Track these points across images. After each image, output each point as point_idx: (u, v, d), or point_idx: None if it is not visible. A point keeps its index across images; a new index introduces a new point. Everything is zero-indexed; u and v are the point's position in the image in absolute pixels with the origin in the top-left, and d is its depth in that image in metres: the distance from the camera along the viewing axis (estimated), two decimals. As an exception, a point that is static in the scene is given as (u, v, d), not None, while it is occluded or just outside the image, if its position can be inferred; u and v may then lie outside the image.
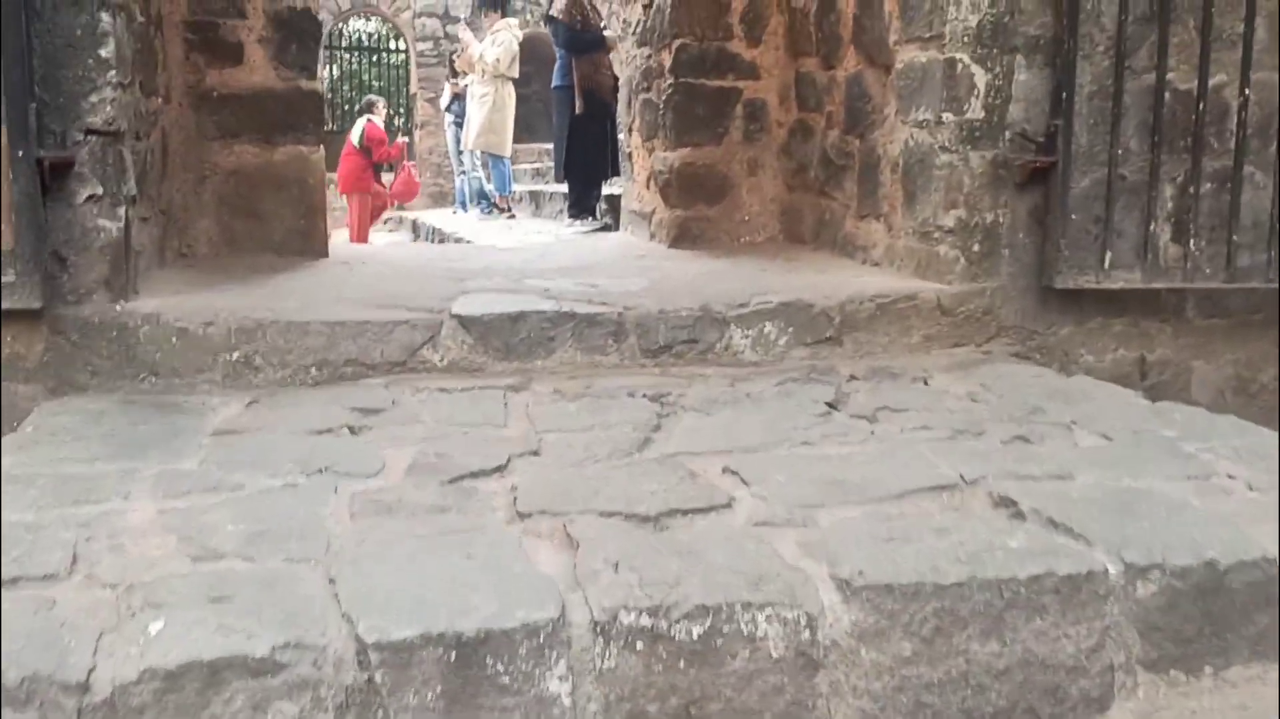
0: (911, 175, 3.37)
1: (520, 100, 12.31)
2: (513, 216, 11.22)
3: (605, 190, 8.28)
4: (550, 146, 15.71)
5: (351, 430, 2.33)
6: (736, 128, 4.44)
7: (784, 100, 4.39)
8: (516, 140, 13.29)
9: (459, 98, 12.46)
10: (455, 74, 12.60)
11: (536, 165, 14.71)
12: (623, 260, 4.17)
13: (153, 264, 3.38)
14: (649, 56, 4.63)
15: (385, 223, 15.44)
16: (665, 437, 2.26)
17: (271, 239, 4.07)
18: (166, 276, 3.38)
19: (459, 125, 12.20)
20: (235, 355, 2.79)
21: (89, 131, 2.70)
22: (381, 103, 12.91)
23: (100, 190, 2.72)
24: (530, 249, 4.67)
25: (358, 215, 12.27)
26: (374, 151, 12.22)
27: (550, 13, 7.91)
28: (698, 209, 4.45)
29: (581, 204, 8.16)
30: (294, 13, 4.00)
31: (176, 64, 3.90)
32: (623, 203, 5.21)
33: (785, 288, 3.33)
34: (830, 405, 2.59)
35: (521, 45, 14.06)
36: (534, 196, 11.45)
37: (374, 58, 19.03)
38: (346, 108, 19.18)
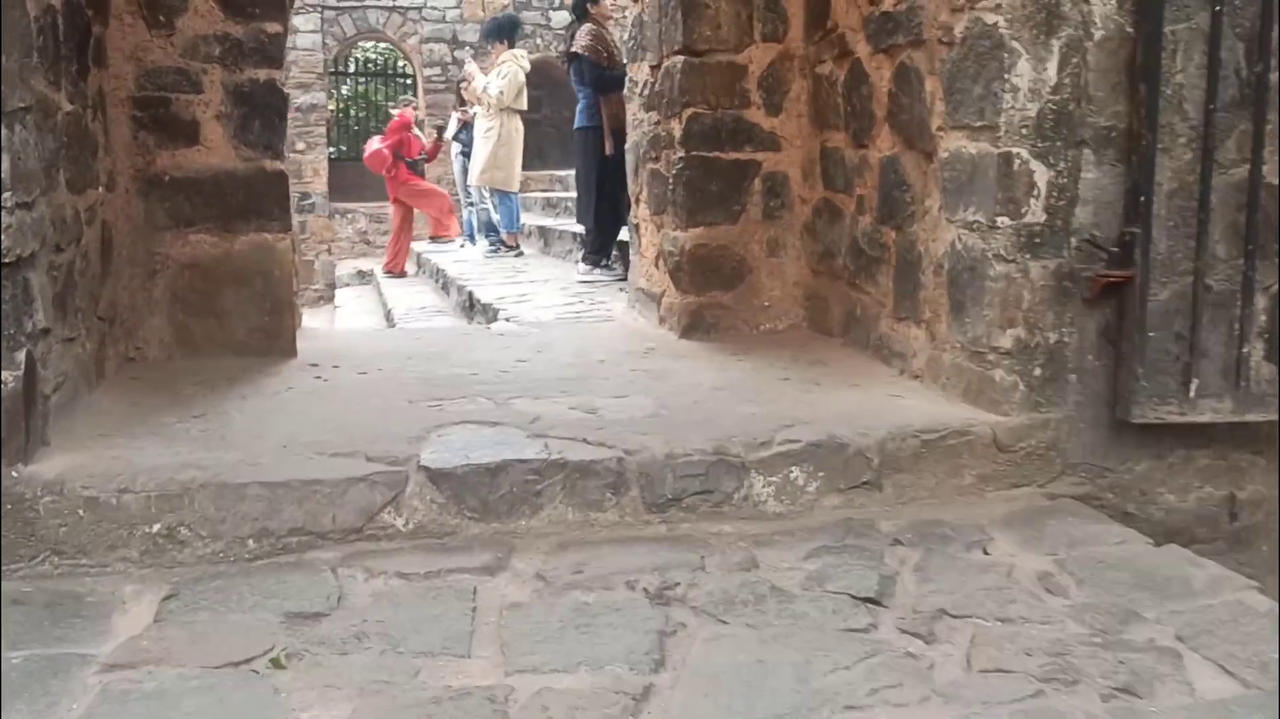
0: (960, 284, 2.89)
1: (530, 125, 11.88)
2: (521, 254, 10.78)
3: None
4: (560, 173, 15.33)
5: (276, 664, 1.86)
6: (755, 205, 3.97)
7: (808, 175, 3.91)
8: (527, 167, 12.87)
9: (467, 126, 12.05)
10: (463, 103, 12.18)
11: (548, 194, 14.27)
12: (627, 359, 3.70)
13: (82, 387, 2.93)
14: (657, 123, 4.16)
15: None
16: (669, 689, 1.78)
17: (232, 339, 3.62)
18: (94, 405, 2.92)
19: (466, 155, 11.78)
20: (156, 528, 2.33)
21: (-22, 265, 2.25)
22: (415, 103, 12.64)
23: (-7, 334, 2.27)
24: (526, 337, 4.20)
25: (396, 230, 12.03)
26: (389, 138, 11.98)
27: (573, 49, 7.46)
28: (712, 295, 3.98)
29: (600, 249, 7.70)
30: (257, 85, 3.56)
31: (123, 146, 3.46)
32: (630, 275, 4.73)
33: (814, 415, 2.85)
34: (873, 602, 2.11)
35: (530, 74, 13.67)
36: (543, 233, 11.01)
37: (381, 83, 18.68)
38: (355, 128, 18.84)
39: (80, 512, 2.30)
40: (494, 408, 3.00)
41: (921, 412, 2.87)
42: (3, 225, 2.25)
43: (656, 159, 4.17)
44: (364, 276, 14.33)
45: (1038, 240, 2.74)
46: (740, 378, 3.36)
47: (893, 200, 3.26)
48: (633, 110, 4.52)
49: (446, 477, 2.48)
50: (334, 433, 2.73)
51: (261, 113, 3.57)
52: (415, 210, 12.16)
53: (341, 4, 14.73)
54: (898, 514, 2.64)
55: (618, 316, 4.58)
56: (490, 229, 11.96)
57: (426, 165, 12.27)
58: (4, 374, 2.28)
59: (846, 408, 2.93)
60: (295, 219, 13.55)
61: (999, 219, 2.73)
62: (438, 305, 9.21)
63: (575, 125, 7.92)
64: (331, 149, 18.67)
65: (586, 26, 7.57)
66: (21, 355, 2.34)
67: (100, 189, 3.27)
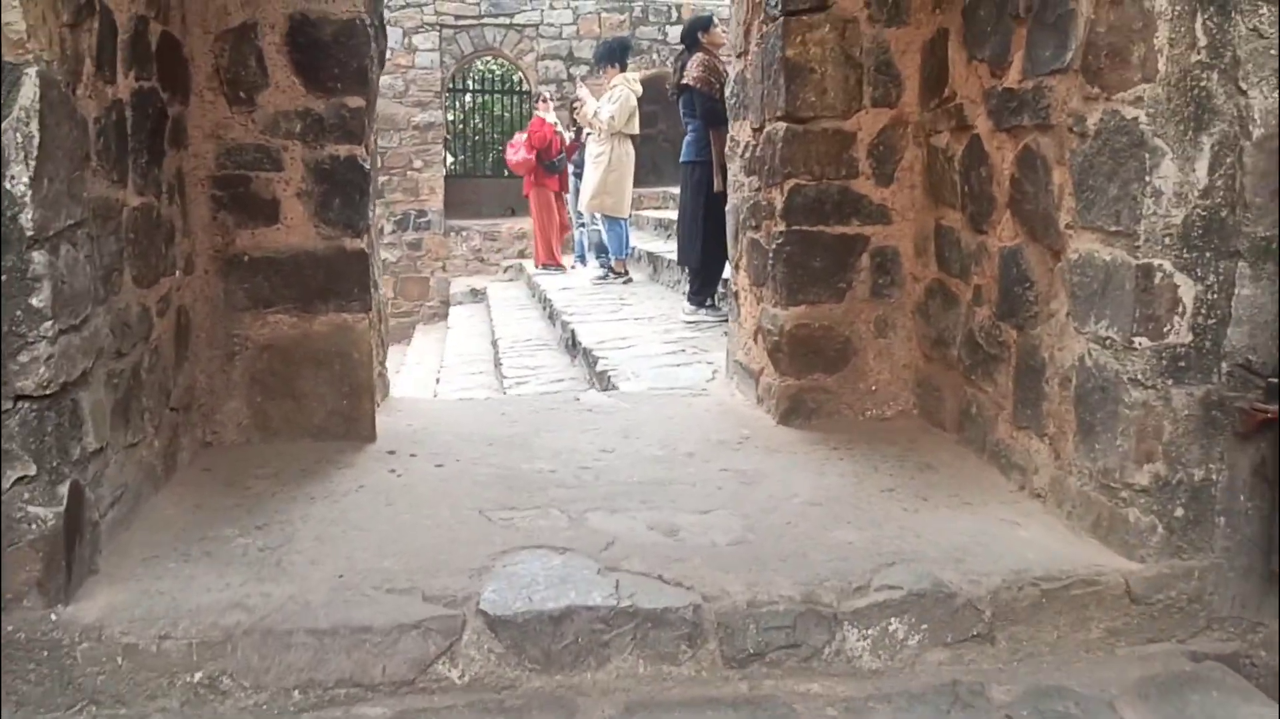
0: (1089, 405, 2.56)
1: (645, 141, 11.75)
2: (629, 280, 10.61)
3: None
4: (675, 190, 15.13)
5: None
6: (862, 282, 3.67)
7: (921, 252, 3.60)
8: (640, 184, 12.72)
9: (580, 148, 11.96)
10: (575, 124, 12.08)
11: (660, 214, 14.08)
12: (718, 452, 3.44)
13: (146, 489, 2.82)
14: (757, 190, 3.90)
15: (505, 270, 15.09)
16: None
17: (310, 422, 3.49)
18: (156, 511, 2.80)
19: (578, 177, 11.69)
20: (198, 677, 2.18)
21: (18, 398, 2.13)
22: (547, 94, 12.64)
23: (34, 469, 2.15)
24: (614, 414, 3.97)
25: (538, 223, 12.02)
26: (531, 140, 12.03)
27: (684, 81, 7.24)
28: (814, 378, 3.70)
29: (704, 289, 7.47)
30: (338, 162, 3.42)
31: (202, 226, 3.36)
32: (728, 345, 4.47)
33: (918, 549, 2.56)
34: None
35: (644, 91, 13.49)
36: (653, 260, 10.81)
37: (499, 99, 18.74)
38: (476, 138, 18.96)
39: (119, 659, 2.16)
40: (567, 524, 2.79)
41: (1043, 548, 2.55)
42: (43, 355, 2.13)
43: (757, 228, 3.91)
44: (476, 294, 14.36)
45: (1182, 364, 2.40)
46: (839, 486, 3.07)
47: (1014, 297, 2.94)
48: (733, 172, 4.26)
49: (506, 624, 2.28)
50: (394, 558, 2.55)
51: (342, 190, 3.43)
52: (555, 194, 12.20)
53: (459, 22, 14.78)
54: (1012, 674, 2.33)
55: (713, 390, 4.32)
56: (601, 249, 11.84)
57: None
58: (43, 513, 2.15)
59: (956, 538, 2.63)
60: (412, 236, 13.68)
61: (1136, 339, 2.40)
62: (542, 338, 9.08)
63: (682, 159, 7.70)
64: (451, 160, 18.85)
65: (698, 56, 7.34)
66: (65, 488, 2.22)
67: (177, 273, 3.17)
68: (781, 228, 3.64)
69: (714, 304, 7.49)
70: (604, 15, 15.18)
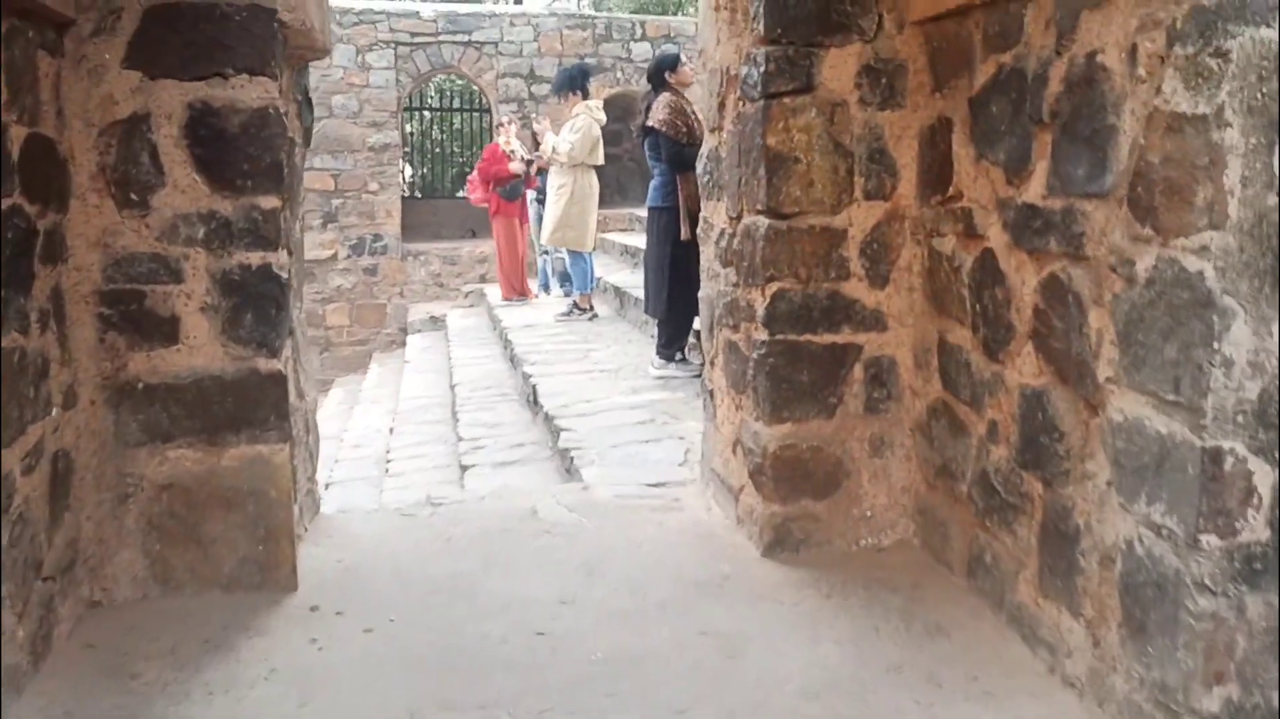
0: (1140, 600, 2.14)
1: (611, 160, 11.30)
2: (594, 316, 10.16)
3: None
4: (641, 212, 14.67)
5: None
6: (854, 396, 3.23)
7: (921, 364, 3.17)
8: (606, 204, 12.27)
9: (543, 173, 11.49)
10: (537, 146, 11.61)
11: (626, 238, 13.62)
12: (695, 603, 2.98)
13: (7, 693, 2.33)
14: (735, 285, 3.45)
15: (466, 296, 14.60)
16: None
17: (219, 573, 3.01)
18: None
19: (541, 203, 11.22)
20: None
21: None
22: (508, 120, 12.08)
23: None
24: (576, 538, 3.50)
25: (502, 254, 11.46)
26: (482, 175, 11.51)
27: (647, 124, 6.78)
28: (801, 504, 3.25)
29: (672, 343, 7.02)
30: (249, 272, 2.94)
31: (87, 351, 2.87)
32: (703, 446, 4.02)
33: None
34: None
35: (609, 108, 13.03)
36: (619, 294, 10.36)
37: (454, 118, 18.23)
38: (436, 150, 18.42)
39: None
40: (516, 736, 2.32)
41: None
42: None
43: (735, 328, 3.46)
44: (435, 322, 13.86)
45: (1258, 567, 1.98)
46: (838, 662, 2.62)
47: (1039, 446, 2.50)
48: (708, 256, 3.81)
49: None
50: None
51: (255, 303, 2.95)
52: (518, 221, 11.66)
53: (415, 40, 14.25)
54: None
55: (687, 500, 3.86)
56: (565, 278, 11.39)
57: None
58: None
59: (982, 757, 2.20)
60: (368, 261, 13.12)
61: (1203, 536, 1.97)
62: (502, 385, 8.60)
63: (648, 203, 7.25)
64: (411, 173, 18.30)
65: (664, 97, 6.89)
66: None
67: (54, 411, 2.68)
68: (764, 336, 3.19)
69: (684, 357, 7.05)
70: (565, 33, 14.71)
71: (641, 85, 14.98)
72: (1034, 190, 2.48)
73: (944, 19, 2.94)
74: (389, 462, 7.68)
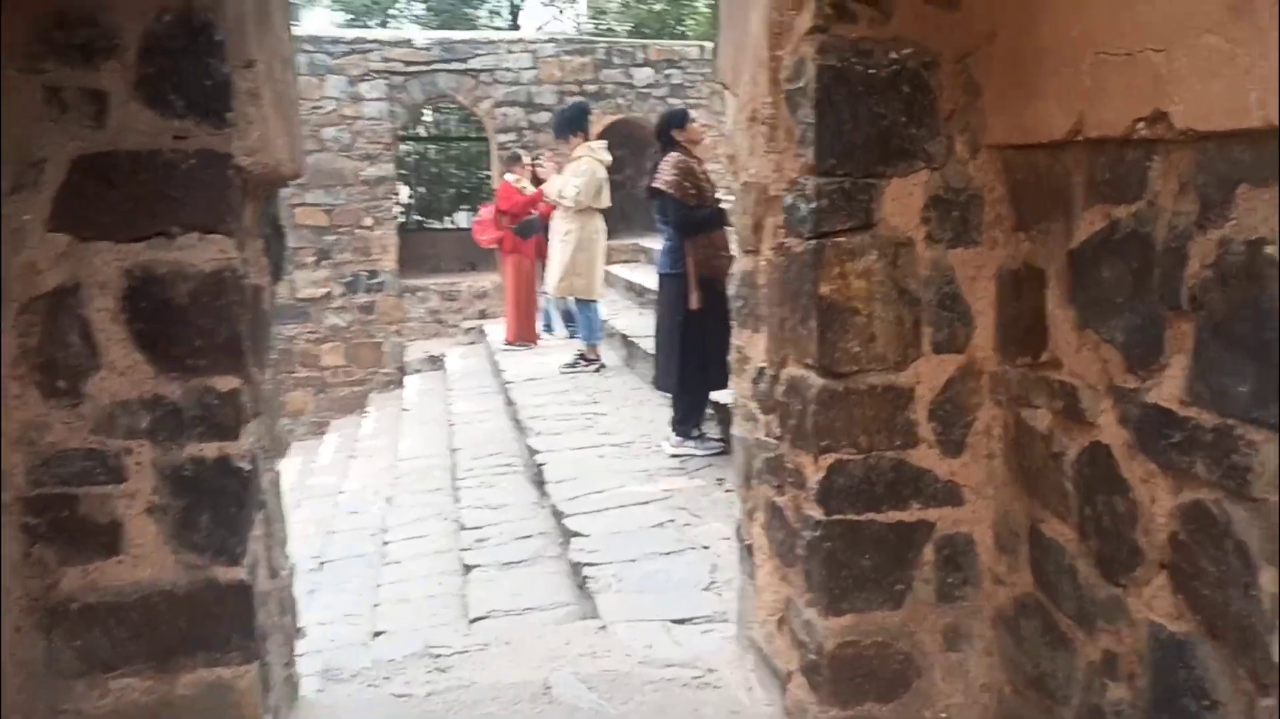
0: None
1: (614, 188, 10.78)
2: (601, 367, 9.68)
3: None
4: (646, 243, 14.18)
5: None
6: (925, 580, 2.75)
7: (1006, 548, 2.68)
8: (609, 234, 11.78)
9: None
10: (538, 181, 11.14)
11: (633, 273, 13.14)
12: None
13: None
14: (778, 440, 2.94)
15: (466, 333, 14.14)
16: None
17: (176, 822, 2.52)
18: None
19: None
20: None
21: None
22: (527, 157, 11.52)
23: None
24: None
25: (513, 295, 10.84)
26: (497, 206, 10.97)
27: (654, 185, 6.30)
28: (865, 707, 2.76)
29: (688, 418, 6.53)
30: (203, 467, 2.45)
31: (10, 569, 2.38)
32: (740, 607, 3.52)
33: None
34: None
35: (611, 134, 12.56)
36: (627, 343, 9.87)
37: (448, 150, 17.75)
38: (435, 171, 17.96)
39: None
40: None
41: None
42: None
43: (779, 489, 2.97)
44: (435, 361, 13.41)
45: None
46: None
47: (1180, 709, 2.01)
48: (743, 393, 3.31)
49: None
50: None
51: (212, 503, 2.47)
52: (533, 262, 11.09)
53: (409, 69, 13.76)
54: None
55: (725, 673, 3.36)
56: (570, 318, 10.93)
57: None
58: None
59: None
60: (363, 298, 12.64)
61: None
62: (506, 452, 8.13)
63: (658, 269, 6.77)
64: (408, 193, 17.83)
65: (672, 157, 6.41)
66: None
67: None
68: (818, 514, 2.70)
69: (701, 433, 6.57)
70: (565, 59, 14.22)
71: (644, 111, 14.54)
72: (1168, 391, 1.99)
73: (1032, 150, 2.45)
74: (386, 544, 7.21)
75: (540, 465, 6.71)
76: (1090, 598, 2.30)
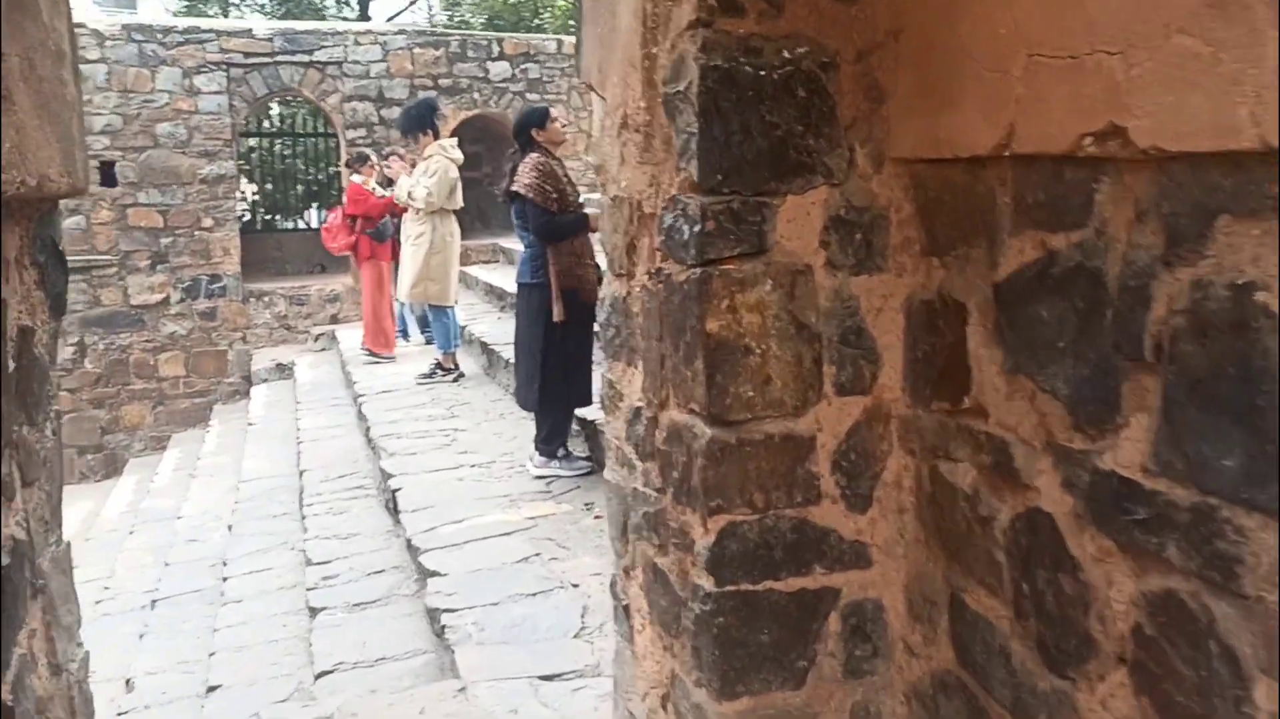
0: None
1: (470, 185, 10.30)
2: (460, 376, 9.19)
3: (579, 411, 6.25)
4: (505, 243, 13.66)
5: None
6: (829, 654, 2.41)
7: (920, 616, 2.36)
8: (467, 233, 11.26)
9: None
10: (390, 184, 10.55)
11: (491, 274, 12.65)
12: None
13: None
14: (659, 492, 2.57)
15: (316, 339, 13.43)
16: None
17: None
18: None
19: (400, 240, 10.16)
20: None
21: None
22: (375, 156, 10.80)
23: None
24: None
25: (369, 302, 10.14)
26: (347, 210, 10.23)
27: (513, 188, 5.85)
28: (763, 801, 2.41)
29: (555, 439, 6.12)
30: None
31: None
32: (615, 671, 3.13)
33: None
34: None
35: (465, 132, 12.02)
36: (486, 351, 9.40)
37: (295, 144, 16.88)
38: (281, 167, 17.07)
39: None
40: None
41: None
42: None
43: (662, 549, 2.59)
44: (283, 370, 12.67)
45: None
46: None
47: (1146, 831, 1.70)
48: (615, 431, 2.92)
49: None
50: None
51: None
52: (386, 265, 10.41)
53: (249, 60, 12.94)
54: None
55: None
56: (426, 324, 10.41)
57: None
58: None
59: None
60: (204, 304, 11.81)
61: None
62: (357, 472, 7.58)
63: (517, 279, 6.33)
64: (253, 192, 16.91)
65: (531, 158, 5.99)
66: None
67: None
68: (709, 586, 2.33)
69: (567, 452, 6.17)
70: (417, 51, 13.62)
71: (500, 106, 14.02)
72: (1127, 457, 1.68)
73: (947, 164, 2.13)
74: (225, 579, 6.60)
75: (394, 491, 6.21)
76: (1030, 688, 1.98)
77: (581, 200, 6.19)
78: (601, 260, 2.94)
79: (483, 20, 23.47)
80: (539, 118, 6.09)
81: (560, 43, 14.55)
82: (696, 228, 2.23)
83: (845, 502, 2.36)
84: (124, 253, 12.64)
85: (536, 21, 23.01)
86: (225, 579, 6.51)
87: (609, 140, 2.79)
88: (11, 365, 2.21)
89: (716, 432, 2.28)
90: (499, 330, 9.96)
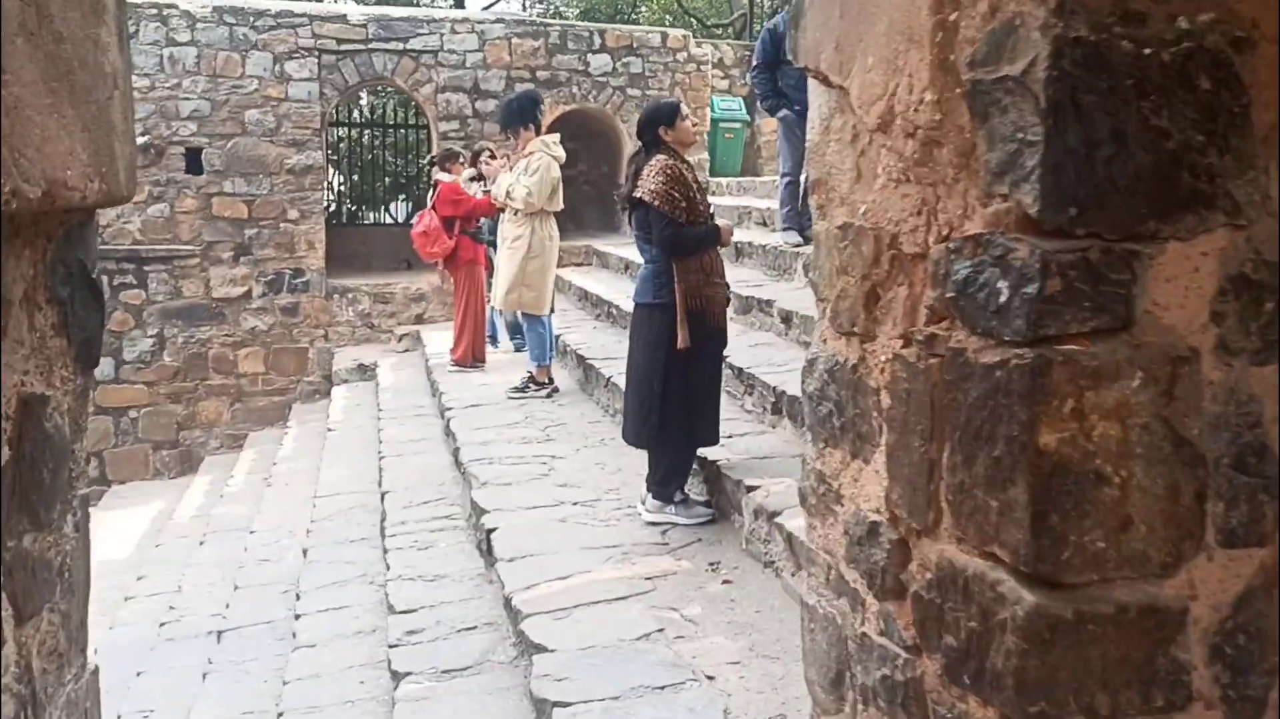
0: None
1: (565, 184, 9.55)
2: (554, 390, 8.48)
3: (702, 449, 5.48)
4: (600, 246, 12.96)
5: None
6: None
7: None
8: (560, 235, 10.54)
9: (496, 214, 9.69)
10: (482, 177, 9.88)
11: (585, 278, 11.96)
12: None
13: None
14: (909, 652, 1.80)
15: (400, 339, 12.86)
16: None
17: None
18: None
19: (491, 243, 9.49)
20: None
21: None
22: (464, 154, 10.13)
23: None
24: None
25: (466, 311, 9.48)
26: (440, 212, 9.55)
27: (636, 194, 5.12)
28: None
29: (668, 480, 5.36)
30: None
31: None
32: None
33: None
34: None
35: (560, 128, 11.29)
36: (582, 363, 8.69)
37: (384, 135, 16.36)
38: (371, 156, 16.61)
39: None
40: None
41: None
42: None
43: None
44: (365, 371, 12.12)
45: None
46: None
47: None
48: (829, 538, 2.14)
49: None
50: None
51: None
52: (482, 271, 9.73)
53: (342, 48, 12.40)
54: None
55: None
56: (517, 329, 9.74)
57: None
58: None
59: None
60: (287, 299, 11.25)
61: None
62: (444, 496, 6.90)
63: (634, 298, 5.58)
64: (341, 179, 16.47)
65: (659, 160, 5.24)
66: None
67: None
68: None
69: (684, 496, 5.40)
70: (515, 41, 12.96)
71: (599, 101, 13.31)
72: None
73: None
74: (297, 616, 5.96)
75: (489, 532, 5.50)
76: None
77: (712, 210, 5.43)
78: (822, 324, 2.16)
79: (577, 12, 22.83)
80: (668, 114, 5.31)
81: (665, 36, 13.78)
82: (1030, 288, 1.44)
83: (1227, 707, 1.55)
84: (207, 243, 12.17)
85: (633, 15, 22.30)
86: (298, 616, 5.88)
87: (838, 147, 2.01)
88: (7, 454, 1.53)
89: (1043, 599, 1.49)
90: (595, 341, 9.24)
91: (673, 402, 5.18)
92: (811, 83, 2.15)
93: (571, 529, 5.42)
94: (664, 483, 5.33)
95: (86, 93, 1.61)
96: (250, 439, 12.30)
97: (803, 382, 2.20)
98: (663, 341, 5.18)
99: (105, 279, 12.24)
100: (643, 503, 5.45)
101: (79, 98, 1.57)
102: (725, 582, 4.61)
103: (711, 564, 4.81)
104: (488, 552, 5.45)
